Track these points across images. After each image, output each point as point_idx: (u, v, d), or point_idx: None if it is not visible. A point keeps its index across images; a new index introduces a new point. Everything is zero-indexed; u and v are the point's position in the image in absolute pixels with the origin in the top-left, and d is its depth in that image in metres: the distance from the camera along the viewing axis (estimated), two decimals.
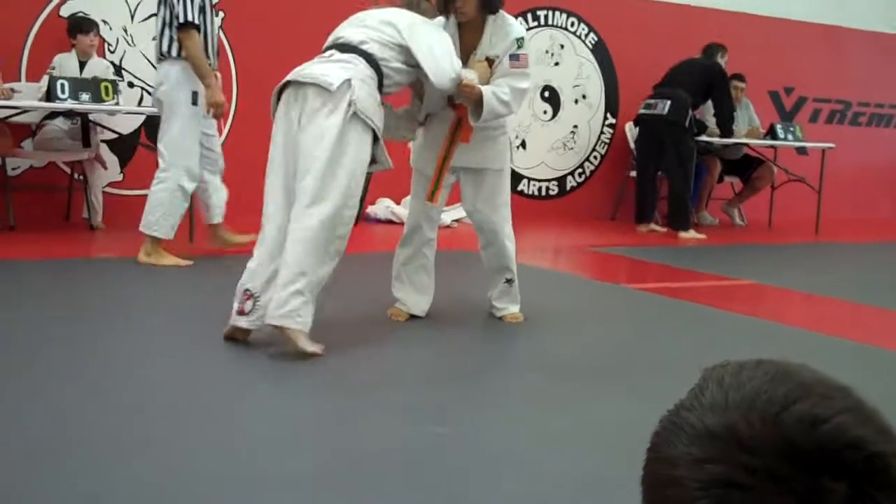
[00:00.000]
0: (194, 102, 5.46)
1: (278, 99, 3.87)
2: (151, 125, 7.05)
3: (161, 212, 5.49)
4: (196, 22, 5.34)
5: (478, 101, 4.12)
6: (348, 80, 3.73)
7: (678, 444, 0.75)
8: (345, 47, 3.90)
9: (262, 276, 3.79)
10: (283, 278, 3.65)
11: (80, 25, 6.79)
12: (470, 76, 4.11)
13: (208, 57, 5.45)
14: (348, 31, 4.01)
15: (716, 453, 0.72)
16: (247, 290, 3.80)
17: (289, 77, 3.85)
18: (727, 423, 0.73)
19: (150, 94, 7.28)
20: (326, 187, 3.67)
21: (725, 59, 8.97)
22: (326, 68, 3.80)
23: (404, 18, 4.05)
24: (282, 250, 3.73)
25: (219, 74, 5.84)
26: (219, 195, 5.97)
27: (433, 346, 4.11)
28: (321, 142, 3.66)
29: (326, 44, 4.06)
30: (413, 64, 3.99)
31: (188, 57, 5.37)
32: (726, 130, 8.74)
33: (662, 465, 0.76)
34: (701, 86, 8.57)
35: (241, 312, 3.80)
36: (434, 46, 4.01)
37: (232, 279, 3.91)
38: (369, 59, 3.87)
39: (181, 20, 5.31)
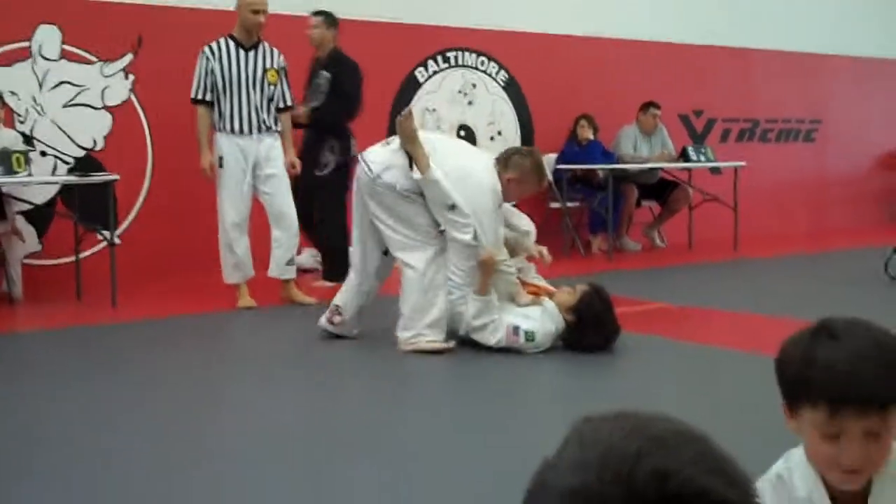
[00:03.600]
0: (220, 166, 6.28)
1: None
2: (67, 194, 7.01)
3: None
4: (198, 97, 6.24)
5: None
6: None
7: (541, 502, 0.78)
8: None
9: None
10: None
11: None
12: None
13: (234, 123, 6.23)
14: None
15: None
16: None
17: None
18: (583, 481, 0.76)
19: (64, 162, 7.26)
20: None
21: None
22: None
23: None
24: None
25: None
26: (279, 251, 6.33)
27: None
28: None
29: None
30: None
31: None
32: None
33: None
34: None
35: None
36: None
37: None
38: None
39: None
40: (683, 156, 9.43)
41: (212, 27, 6.85)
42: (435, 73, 9.17)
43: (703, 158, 9.47)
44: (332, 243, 7.01)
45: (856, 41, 12.14)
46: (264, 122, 6.30)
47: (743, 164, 9.67)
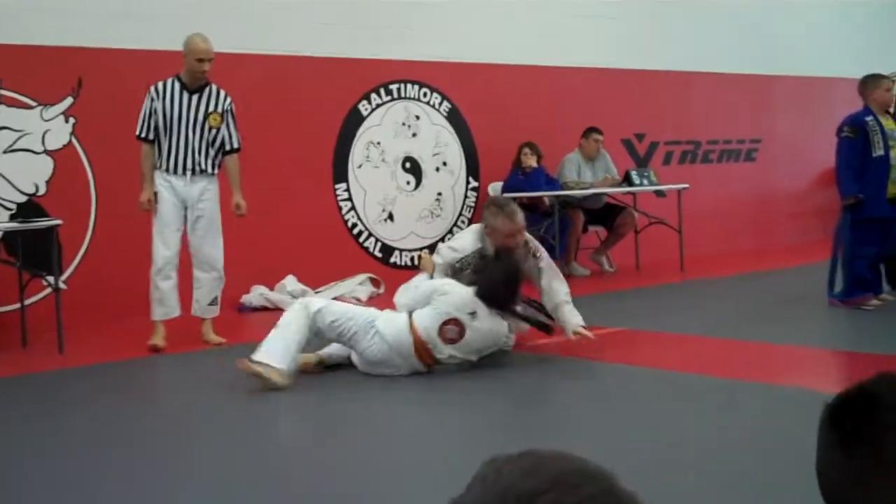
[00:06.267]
0: (156, 202, 6.29)
1: None
2: (10, 240, 6.91)
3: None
4: (141, 135, 6.29)
5: None
6: None
7: None
8: None
9: None
10: None
11: None
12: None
13: (171, 163, 6.25)
14: None
15: None
16: None
17: None
18: None
19: (6, 208, 7.16)
20: None
21: None
22: None
23: None
24: None
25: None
26: (199, 291, 6.38)
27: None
28: None
29: None
30: None
31: None
32: None
33: None
34: None
35: None
36: None
37: None
38: None
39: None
40: (627, 180, 9.54)
41: (151, 68, 6.85)
42: (378, 106, 9.19)
43: (646, 182, 9.59)
44: None
45: (795, 60, 12.35)
46: (199, 164, 6.32)
47: (686, 186, 9.80)
